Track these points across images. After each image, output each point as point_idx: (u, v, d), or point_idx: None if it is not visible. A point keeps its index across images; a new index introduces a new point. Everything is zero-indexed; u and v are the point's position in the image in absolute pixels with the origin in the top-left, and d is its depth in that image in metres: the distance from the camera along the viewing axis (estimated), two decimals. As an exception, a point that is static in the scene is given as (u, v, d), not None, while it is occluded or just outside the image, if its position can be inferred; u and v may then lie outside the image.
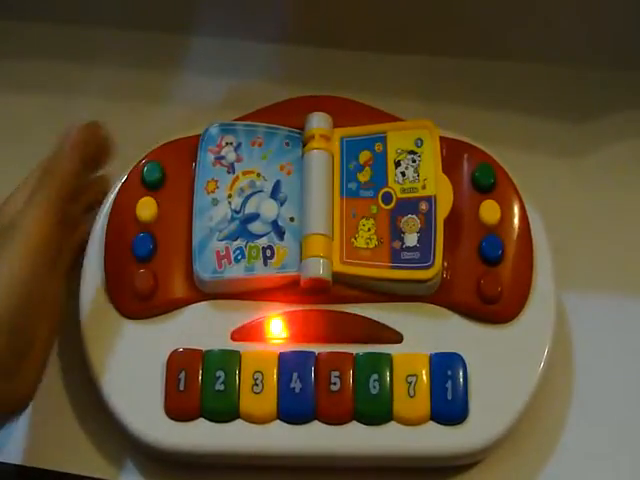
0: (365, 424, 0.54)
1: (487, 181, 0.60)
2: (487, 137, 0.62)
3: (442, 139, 0.60)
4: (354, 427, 0.54)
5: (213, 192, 0.59)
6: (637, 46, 0.70)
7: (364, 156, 0.60)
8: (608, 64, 0.71)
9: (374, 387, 0.54)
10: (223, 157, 0.60)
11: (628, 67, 0.70)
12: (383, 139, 0.60)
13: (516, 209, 0.59)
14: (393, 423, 0.54)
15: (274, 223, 0.59)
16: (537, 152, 0.68)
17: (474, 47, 0.71)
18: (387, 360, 0.55)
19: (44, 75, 0.71)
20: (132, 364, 0.56)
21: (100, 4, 0.73)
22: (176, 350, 0.56)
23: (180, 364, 0.56)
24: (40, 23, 0.72)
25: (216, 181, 0.60)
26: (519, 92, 0.71)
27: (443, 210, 0.58)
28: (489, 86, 0.71)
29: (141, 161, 0.61)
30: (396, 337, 0.56)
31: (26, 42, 0.73)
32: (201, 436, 0.55)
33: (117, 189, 0.61)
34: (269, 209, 0.59)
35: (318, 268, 0.56)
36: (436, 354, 0.55)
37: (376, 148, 0.60)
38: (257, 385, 0.55)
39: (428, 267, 0.56)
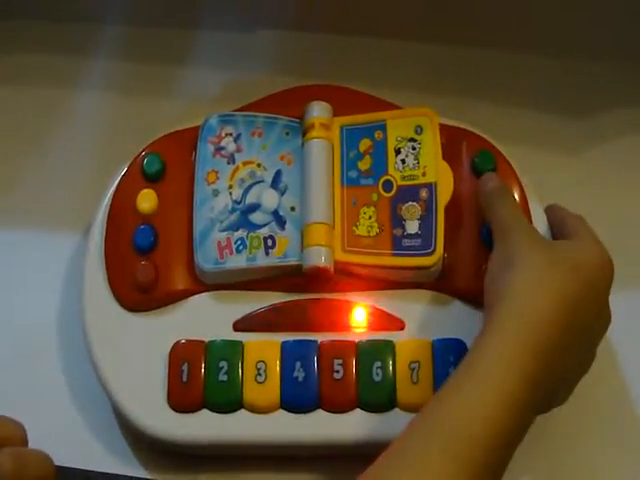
0: (369, 412, 0.54)
1: (487, 167, 0.59)
2: (486, 129, 0.62)
3: (442, 126, 0.60)
4: (358, 415, 0.54)
5: (213, 183, 0.59)
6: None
7: (364, 144, 0.60)
8: (611, 58, 0.70)
9: (377, 374, 0.54)
10: (223, 148, 0.60)
11: (631, 61, 0.70)
12: (383, 127, 0.60)
13: (516, 194, 0.59)
14: (397, 410, 0.54)
15: (275, 213, 0.58)
16: (537, 145, 0.68)
17: (475, 36, 0.71)
18: (390, 347, 0.55)
19: (47, 69, 0.72)
20: (134, 356, 0.56)
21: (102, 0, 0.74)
22: (178, 342, 0.56)
23: (183, 355, 0.56)
24: (43, 20, 0.73)
25: (216, 172, 0.60)
26: (520, 84, 0.71)
27: (443, 197, 0.58)
28: (490, 77, 0.71)
29: (141, 153, 0.61)
30: (398, 324, 0.56)
31: (31, 38, 0.73)
32: (205, 427, 0.55)
33: (117, 181, 0.61)
34: (270, 199, 0.59)
35: (320, 257, 0.56)
36: (438, 340, 0.56)
37: (376, 136, 0.60)
38: (260, 375, 0.55)
39: (429, 254, 0.56)
